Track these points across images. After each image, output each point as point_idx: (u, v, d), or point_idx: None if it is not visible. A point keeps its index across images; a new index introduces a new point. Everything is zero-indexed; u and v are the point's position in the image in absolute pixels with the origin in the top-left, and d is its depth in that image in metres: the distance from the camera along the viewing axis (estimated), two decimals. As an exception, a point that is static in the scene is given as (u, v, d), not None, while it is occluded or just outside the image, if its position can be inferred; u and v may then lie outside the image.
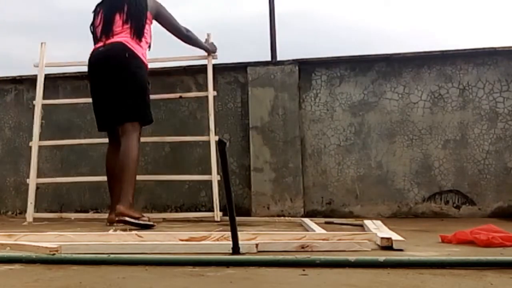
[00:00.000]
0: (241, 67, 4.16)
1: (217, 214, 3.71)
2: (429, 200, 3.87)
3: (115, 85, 3.45)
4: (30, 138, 4.12)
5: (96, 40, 3.63)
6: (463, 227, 2.49)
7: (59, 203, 4.35)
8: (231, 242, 1.97)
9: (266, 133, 4.04)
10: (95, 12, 3.69)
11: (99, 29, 3.60)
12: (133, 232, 2.61)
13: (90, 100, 3.62)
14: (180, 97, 4.13)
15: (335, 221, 3.48)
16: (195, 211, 4.10)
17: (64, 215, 4.06)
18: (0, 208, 4.47)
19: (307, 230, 2.91)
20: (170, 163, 4.21)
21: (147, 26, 3.58)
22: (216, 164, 3.81)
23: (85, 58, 3.67)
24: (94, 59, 3.57)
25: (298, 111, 4.00)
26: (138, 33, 3.52)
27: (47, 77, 4.21)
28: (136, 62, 3.47)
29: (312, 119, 4.05)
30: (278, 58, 4.12)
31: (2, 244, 2.17)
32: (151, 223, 3.26)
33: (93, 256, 1.89)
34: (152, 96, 3.76)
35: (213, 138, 3.83)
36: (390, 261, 1.74)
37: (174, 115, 4.24)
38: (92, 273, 1.69)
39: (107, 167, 3.60)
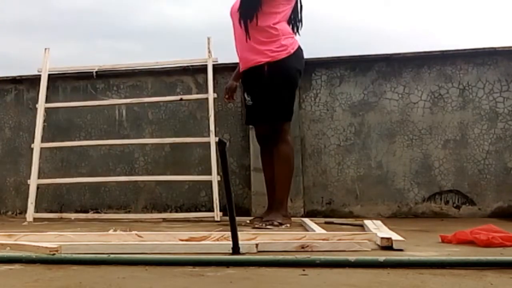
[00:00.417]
0: (241, 67, 4.16)
1: (217, 214, 3.72)
2: (429, 200, 3.87)
3: None
4: (30, 138, 4.13)
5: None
6: (463, 227, 2.49)
7: (59, 203, 4.36)
8: (231, 242, 1.97)
9: (266, 133, 4.03)
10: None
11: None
12: (133, 232, 2.61)
13: (93, 103, 3.58)
14: (181, 99, 4.13)
15: (335, 221, 3.48)
16: (195, 211, 4.10)
17: (64, 215, 4.06)
18: (0, 208, 4.47)
19: (307, 230, 2.91)
20: (170, 163, 4.21)
21: None
22: (216, 164, 3.81)
23: (85, 58, 3.69)
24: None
25: (298, 111, 4.00)
26: None
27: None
28: None
29: (312, 119, 4.05)
30: (278, 58, 4.12)
31: (2, 244, 2.17)
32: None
33: (93, 256, 1.89)
34: (153, 98, 3.78)
35: (213, 140, 3.84)
36: (390, 261, 1.74)
37: (174, 115, 4.24)
38: (92, 273, 1.69)
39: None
